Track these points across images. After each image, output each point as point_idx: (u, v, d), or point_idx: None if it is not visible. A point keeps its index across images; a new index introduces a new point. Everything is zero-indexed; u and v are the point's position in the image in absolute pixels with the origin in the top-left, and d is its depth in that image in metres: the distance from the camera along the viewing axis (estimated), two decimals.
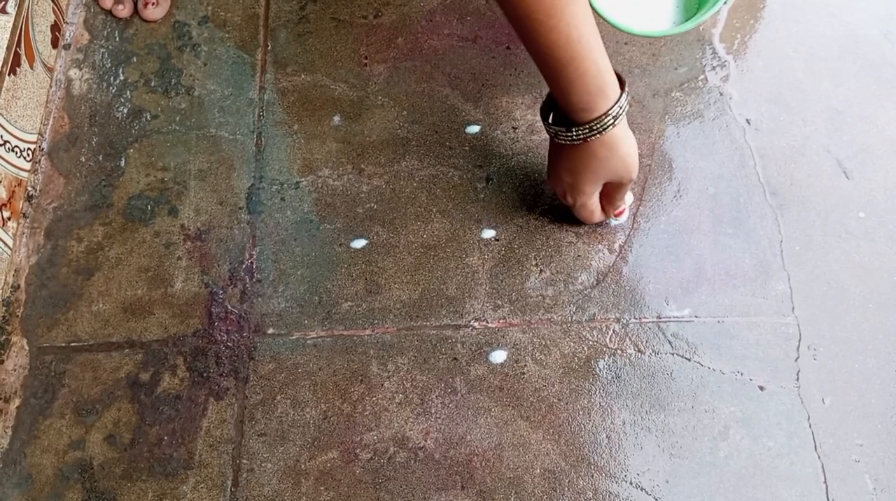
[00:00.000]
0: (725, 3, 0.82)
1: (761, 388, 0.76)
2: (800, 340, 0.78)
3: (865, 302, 0.79)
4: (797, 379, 0.76)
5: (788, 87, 0.90)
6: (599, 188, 0.75)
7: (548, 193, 0.84)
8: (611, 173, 0.72)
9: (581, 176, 0.73)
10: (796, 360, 0.77)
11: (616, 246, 0.82)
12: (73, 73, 0.92)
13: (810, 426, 0.74)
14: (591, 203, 0.77)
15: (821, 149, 0.87)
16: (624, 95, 0.67)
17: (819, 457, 0.73)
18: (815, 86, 0.90)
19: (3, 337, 0.78)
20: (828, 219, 0.83)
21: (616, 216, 0.82)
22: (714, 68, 0.91)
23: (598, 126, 0.67)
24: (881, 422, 0.74)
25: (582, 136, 0.68)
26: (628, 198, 0.83)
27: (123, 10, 0.94)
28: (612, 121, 0.67)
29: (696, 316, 0.79)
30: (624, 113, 0.67)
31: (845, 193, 0.85)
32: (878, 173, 0.85)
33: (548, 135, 0.73)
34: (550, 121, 0.71)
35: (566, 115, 0.68)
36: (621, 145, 0.70)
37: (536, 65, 0.66)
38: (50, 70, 0.91)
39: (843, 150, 0.87)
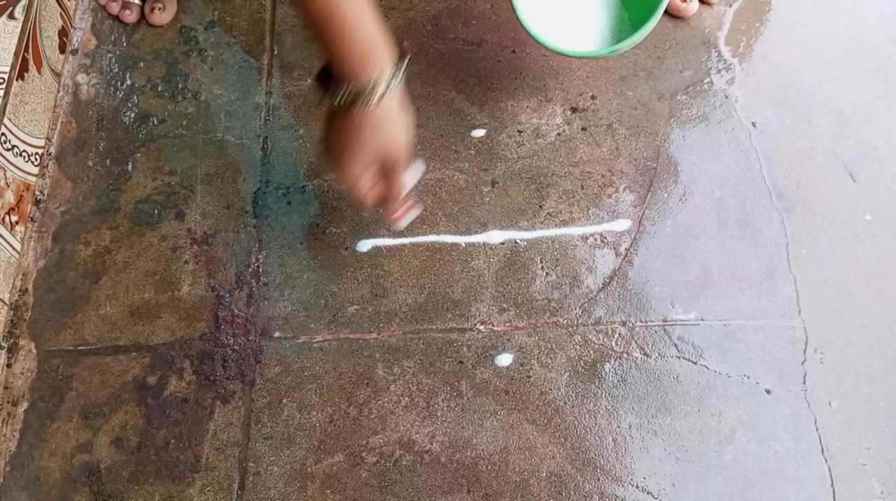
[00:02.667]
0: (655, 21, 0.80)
1: (768, 391, 0.75)
2: (806, 343, 0.77)
3: (872, 305, 0.79)
4: (804, 383, 0.76)
5: (794, 90, 0.90)
6: (367, 170, 0.68)
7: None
8: (375, 152, 0.67)
9: (346, 151, 0.67)
10: (803, 363, 0.77)
11: (622, 249, 0.82)
12: (81, 77, 0.92)
13: (817, 429, 0.74)
14: (360, 186, 0.69)
15: (827, 152, 0.87)
16: (398, 70, 0.63)
17: (826, 461, 0.73)
18: (820, 89, 0.90)
19: (12, 340, 0.79)
20: (834, 222, 0.83)
21: (391, 221, 0.76)
22: (720, 71, 0.91)
23: (363, 96, 0.62)
24: (888, 425, 0.74)
25: (346, 103, 0.63)
26: (413, 212, 0.78)
27: (130, 16, 0.95)
28: (373, 93, 0.62)
29: (702, 320, 0.79)
30: (391, 87, 0.63)
31: (852, 196, 0.84)
32: (884, 176, 0.85)
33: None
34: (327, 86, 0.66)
35: (337, 81, 0.63)
36: (388, 123, 0.65)
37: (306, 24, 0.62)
38: (58, 75, 0.91)
39: (850, 153, 0.86)
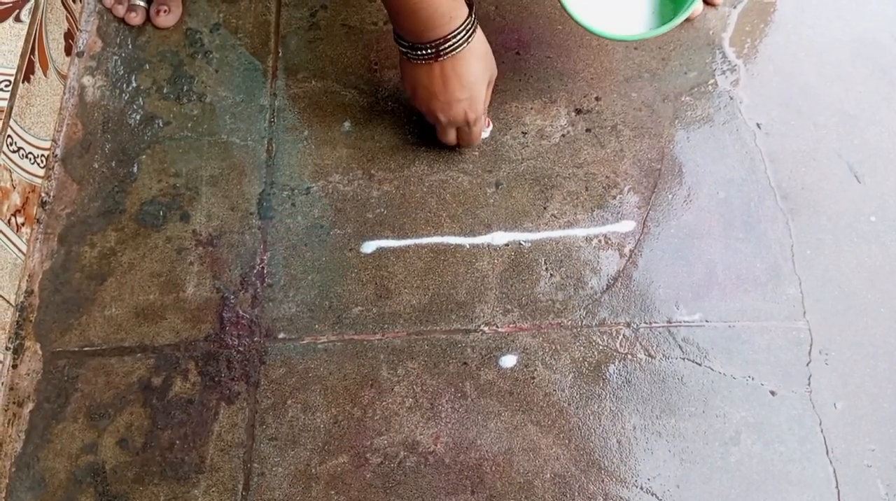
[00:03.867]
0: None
1: (773, 393, 0.75)
2: (811, 344, 0.77)
3: (877, 307, 0.79)
4: (809, 384, 0.76)
5: (799, 91, 0.90)
6: (481, 100, 0.76)
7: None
8: (492, 68, 0.75)
9: (476, 84, 0.74)
10: (808, 365, 0.76)
11: (626, 250, 0.82)
12: (87, 80, 0.93)
13: (822, 431, 0.74)
14: (480, 113, 0.78)
15: (832, 153, 0.86)
16: (472, 14, 0.71)
17: (831, 462, 0.73)
18: (825, 89, 0.90)
19: (17, 341, 0.79)
20: (839, 223, 0.83)
21: (487, 125, 0.86)
22: (724, 72, 0.91)
23: (472, 26, 0.70)
24: (893, 427, 0.74)
25: (463, 41, 0.70)
26: (490, 126, 0.87)
27: (136, 18, 0.95)
28: (463, 39, 0.70)
29: (706, 321, 0.78)
30: (472, 30, 0.71)
31: (857, 197, 0.84)
32: (889, 177, 0.85)
33: (421, 60, 0.73)
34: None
35: (423, 35, 0.70)
36: (484, 42, 0.74)
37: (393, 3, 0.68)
38: (63, 77, 0.92)
39: (855, 154, 0.86)
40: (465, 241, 0.82)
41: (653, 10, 0.85)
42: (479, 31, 0.72)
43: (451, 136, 0.81)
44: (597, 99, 0.90)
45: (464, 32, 0.70)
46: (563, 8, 0.78)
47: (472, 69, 0.72)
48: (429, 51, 0.70)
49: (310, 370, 0.77)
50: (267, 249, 0.83)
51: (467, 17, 0.70)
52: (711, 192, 0.84)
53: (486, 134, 0.86)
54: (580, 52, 0.92)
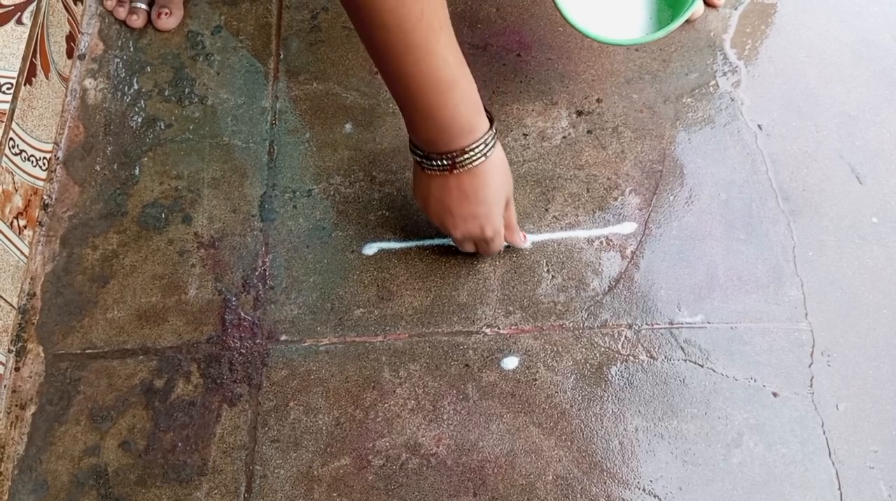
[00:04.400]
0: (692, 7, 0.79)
1: (775, 394, 0.75)
2: (813, 346, 0.77)
3: (879, 308, 0.79)
4: (811, 386, 0.76)
5: (800, 93, 0.90)
6: (497, 216, 0.72)
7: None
8: (510, 185, 0.71)
9: (493, 200, 0.70)
10: (810, 366, 0.76)
11: (628, 252, 0.82)
12: (88, 82, 0.93)
13: (824, 432, 0.74)
14: (498, 231, 0.74)
15: (833, 155, 0.86)
16: (493, 128, 0.67)
17: (833, 464, 0.72)
18: (827, 91, 0.90)
19: (20, 344, 0.79)
20: (841, 225, 0.83)
21: (524, 238, 0.81)
22: (725, 74, 0.91)
23: (492, 140, 0.66)
24: None
25: (480, 155, 0.66)
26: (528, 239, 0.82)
27: (137, 21, 0.95)
28: (481, 152, 0.66)
29: (708, 323, 0.78)
30: (492, 145, 0.67)
31: (858, 198, 0.84)
32: (891, 178, 0.85)
33: (444, 169, 0.67)
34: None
35: (440, 146, 0.65)
36: (503, 157, 0.70)
37: (410, 100, 0.63)
38: (65, 80, 0.92)
39: (856, 155, 0.86)
40: None
41: (650, 15, 0.85)
42: (498, 145, 0.68)
43: (469, 247, 0.75)
44: (598, 100, 0.90)
45: (483, 146, 0.65)
46: (559, 11, 0.79)
47: (490, 184, 0.68)
48: (444, 162, 0.66)
49: (312, 372, 0.77)
50: (268, 251, 0.83)
51: (488, 131, 0.66)
52: (713, 194, 0.84)
53: (526, 244, 0.81)
54: (581, 54, 0.92)
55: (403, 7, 0.55)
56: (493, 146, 0.67)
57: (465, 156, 0.65)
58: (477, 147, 0.65)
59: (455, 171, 0.66)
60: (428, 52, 0.59)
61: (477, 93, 0.64)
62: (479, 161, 0.66)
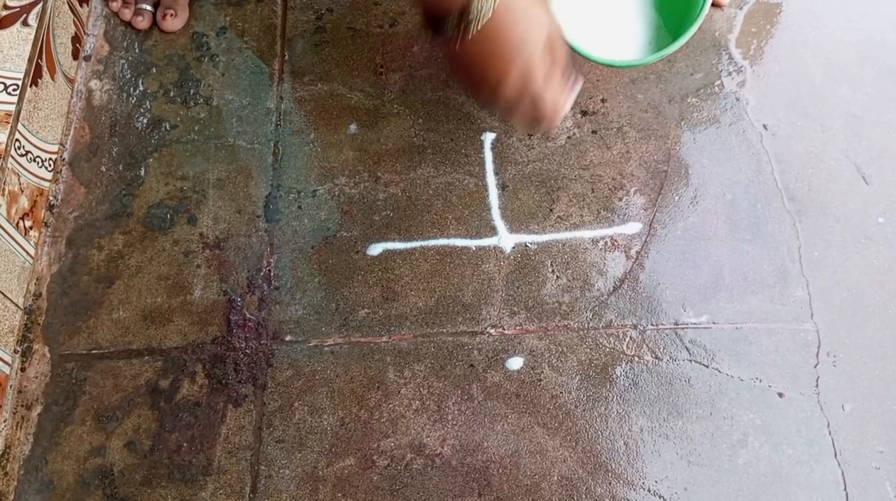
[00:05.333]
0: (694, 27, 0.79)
1: (780, 395, 0.75)
2: (819, 346, 0.77)
3: (885, 308, 0.79)
4: (816, 386, 0.75)
5: (806, 93, 0.90)
6: (538, 64, 0.65)
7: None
8: (542, 28, 0.64)
9: (525, 46, 0.63)
10: (815, 367, 0.76)
11: (633, 252, 0.82)
12: (94, 83, 0.93)
13: (830, 433, 0.74)
14: (556, 79, 0.67)
15: (839, 155, 0.86)
16: None
17: (839, 465, 0.72)
18: (832, 91, 0.90)
19: (25, 344, 0.79)
20: (847, 225, 0.83)
21: (575, 84, 0.71)
22: (730, 74, 0.91)
23: (483, 8, 0.61)
24: None
25: (476, 20, 0.61)
26: (578, 85, 0.72)
27: (142, 22, 0.95)
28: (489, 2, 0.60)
29: (713, 323, 0.78)
30: None
31: (864, 198, 0.84)
32: None
33: (449, 41, 0.63)
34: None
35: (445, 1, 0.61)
36: (519, 4, 0.63)
37: None
38: (71, 81, 0.92)
39: (862, 155, 0.86)
40: (472, 243, 0.82)
41: (649, 39, 0.85)
42: None
43: (525, 119, 0.69)
44: (602, 100, 0.90)
45: None
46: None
47: (513, 31, 0.62)
48: (454, 23, 0.61)
49: (316, 372, 0.77)
50: (273, 252, 0.83)
51: None
52: (718, 194, 0.84)
53: (574, 93, 0.71)
54: None
55: None
56: (487, 12, 0.61)
57: (472, 11, 0.60)
58: (471, 12, 0.60)
59: (470, 30, 0.61)
60: None
61: None
62: (489, 6, 0.60)
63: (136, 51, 0.95)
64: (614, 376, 0.76)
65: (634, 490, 0.71)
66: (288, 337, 0.79)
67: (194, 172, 0.87)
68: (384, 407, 0.75)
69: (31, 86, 0.83)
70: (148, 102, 0.92)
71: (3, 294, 0.77)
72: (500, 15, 0.61)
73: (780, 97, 0.90)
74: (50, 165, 0.86)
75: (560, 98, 0.69)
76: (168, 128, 0.90)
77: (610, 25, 0.85)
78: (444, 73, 0.91)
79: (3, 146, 0.77)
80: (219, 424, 0.75)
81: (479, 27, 0.61)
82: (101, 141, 0.89)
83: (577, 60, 0.86)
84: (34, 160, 0.83)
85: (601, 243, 0.82)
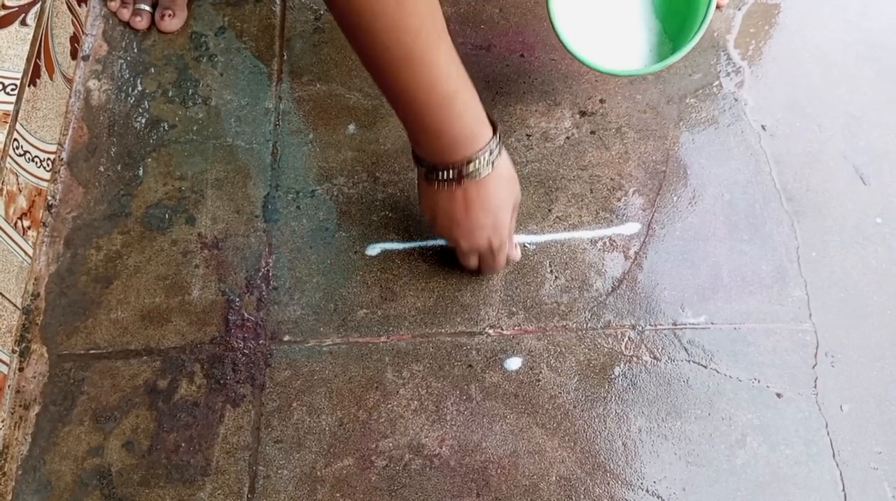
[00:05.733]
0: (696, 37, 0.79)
1: (779, 395, 0.75)
2: (817, 347, 0.77)
3: (883, 309, 0.79)
4: (815, 386, 0.75)
5: (804, 93, 0.90)
6: (504, 227, 0.71)
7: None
8: (517, 192, 0.71)
9: (501, 209, 0.69)
10: (814, 367, 0.76)
11: (631, 252, 0.82)
12: (92, 83, 0.93)
13: (828, 433, 0.74)
14: (511, 236, 0.74)
15: (837, 155, 0.86)
16: (498, 138, 0.66)
17: (837, 465, 0.72)
18: (831, 91, 0.90)
19: (23, 344, 0.79)
20: (845, 225, 0.83)
21: (517, 252, 0.80)
22: (729, 74, 0.91)
23: (496, 147, 0.65)
24: None
25: (487, 164, 0.65)
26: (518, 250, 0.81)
27: (141, 22, 0.95)
28: (486, 163, 0.65)
29: (712, 323, 0.78)
30: (497, 154, 0.66)
31: (862, 199, 0.84)
32: (895, 179, 0.85)
33: (441, 184, 0.67)
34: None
35: (446, 157, 0.65)
36: (510, 164, 0.69)
37: (412, 114, 0.63)
38: (69, 81, 0.92)
39: (860, 156, 0.86)
40: None
41: (651, 48, 0.85)
42: (504, 153, 0.67)
43: (473, 261, 0.75)
44: (601, 101, 0.90)
45: (488, 153, 0.64)
46: (559, 39, 0.79)
47: (498, 193, 0.67)
48: (451, 174, 0.65)
49: (315, 372, 0.77)
50: (272, 252, 0.83)
51: (492, 138, 0.65)
52: (716, 194, 0.84)
53: (516, 256, 0.79)
54: None
55: (401, 22, 0.55)
56: (498, 154, 0.66)
57: (472, 165, 0.64)
58: (482, 155, 0.64)
59: (462, 183, 0.65)
60: (428, 65, 0.58)
61: (479, 102, 0.64)
62: (486, 172, 0.65)
63: (135, 51, 0.95)
64: (613, 376, 0.76)
65: (633, 490, 0.71)
66: (286, 338, 0.79)
67: (193, 172, 0.87)
68: (382, 407, 0.75)
69: (29, 85, 0.83)
70: (146, 102, 0.92)
71: (1, 294, 0.77)
72: (497, 172, 0.66)
73: (779, 98, 0.90)
74: (48, 165, 0.86)
75: (512, 251, 0.77)
76: (166, 128, 0.90)
77: (610, 30, 0.85)
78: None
79: (2, 146, 0.77)
80: (217, 424, 0.75)
81: (477, 179, 0.65)
82: (99, 141, 0.89)
83: (574, 62, 0.87)
84: (32, 160, 0.83)
85: (600, 243, 0.82)
